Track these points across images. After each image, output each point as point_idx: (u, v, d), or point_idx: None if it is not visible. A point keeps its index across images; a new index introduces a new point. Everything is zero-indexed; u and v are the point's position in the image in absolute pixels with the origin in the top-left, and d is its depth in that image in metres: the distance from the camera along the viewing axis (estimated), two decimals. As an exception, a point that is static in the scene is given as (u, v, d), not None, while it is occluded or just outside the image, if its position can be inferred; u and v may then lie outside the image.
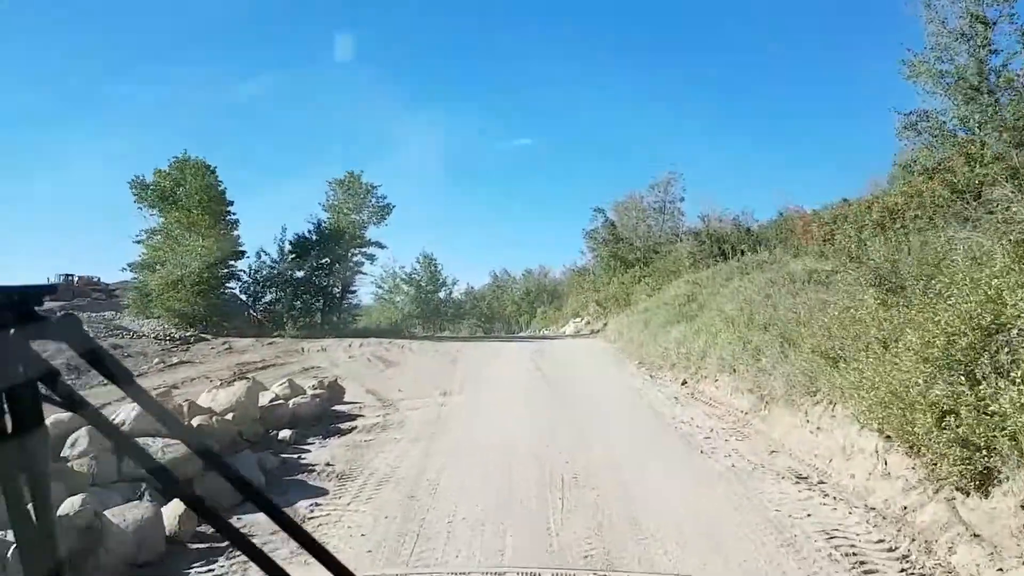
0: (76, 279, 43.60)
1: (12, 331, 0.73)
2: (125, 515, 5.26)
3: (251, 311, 29.91)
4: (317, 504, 6.25)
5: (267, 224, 64.65)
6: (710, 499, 6.57)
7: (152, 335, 18.41)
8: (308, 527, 5.51)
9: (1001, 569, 4.78)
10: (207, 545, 5.24)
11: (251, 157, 79.04)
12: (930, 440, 6.03)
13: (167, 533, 5.37)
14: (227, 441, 7.77)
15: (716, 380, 12.37)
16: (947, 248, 8.79)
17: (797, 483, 7.19)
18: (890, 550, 5.37)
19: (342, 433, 9.41)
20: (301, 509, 6.13)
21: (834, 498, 6.73)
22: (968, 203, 10.03)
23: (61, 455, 6.17)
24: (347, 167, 43.53)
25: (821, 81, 72.19)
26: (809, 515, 6.23)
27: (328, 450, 8.41)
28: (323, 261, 31.34)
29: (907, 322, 7.46)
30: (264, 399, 9.96)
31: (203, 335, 20.09)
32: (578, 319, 43.12)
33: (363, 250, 33.56)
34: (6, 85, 59.95)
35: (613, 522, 5.88)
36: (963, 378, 5.67)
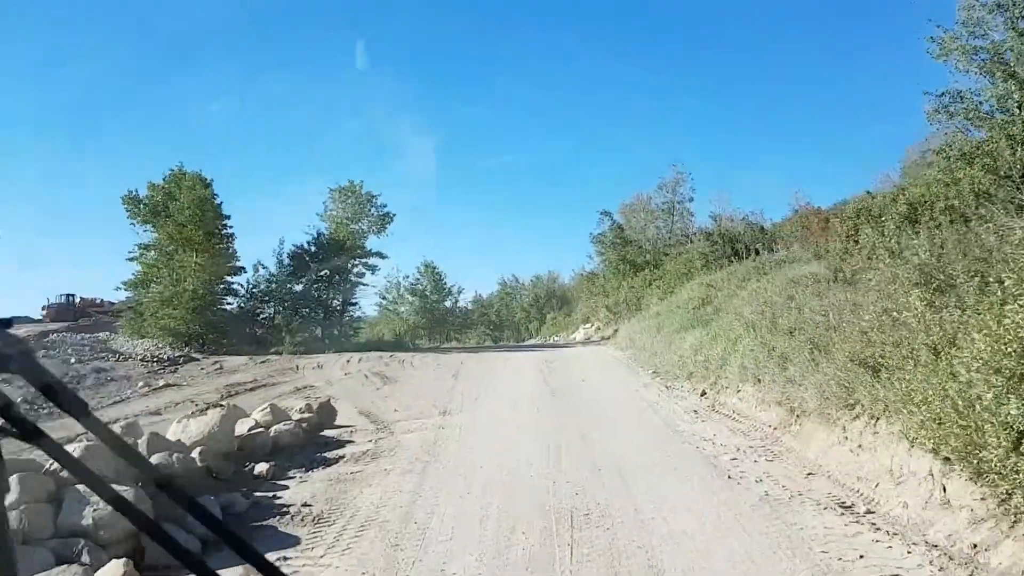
0: (79, 300, 43.03)
1: None
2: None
3: (250, 327, 29.11)
4: (285, 558, 5.38)
5: (268, 236, 64.09)
6: (745, 539, 5.66)
7: (139, 357, 17.64)
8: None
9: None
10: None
11: (250, 168, 78.55)
12: (1004, 466, 5.13)
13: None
14: (192, 481, 6.92)
15: (738, 391, 11.46)
16: (1000, 239, 7.89)
17: (842, 514, 6.28)
18: (970, 605, 4.46)
19: (328, 463, 8.56)
20: (265, 565, 5.26)
21: (887, 532, 5.83)
22: (1019, 189, 9.09)
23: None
24: (347, 176, 42.79)
25: (825, 79, 71.30)
26: (862, 556, 5.33)
27: (309, 485, 7.55)
28: (322, 273, 30.57)
29: (962, 326, 6.57)
30: (242, 427, 9.13)
31: (193, 355, 19.33)
32: (588, 325, 42.24)
33: (364, 261, 32.78)
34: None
35: (633, 574, 4.99)
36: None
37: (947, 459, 6.04)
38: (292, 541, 5.83)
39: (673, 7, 72.70)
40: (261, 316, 29.16)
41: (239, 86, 76.81)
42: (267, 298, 29.47)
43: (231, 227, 28.85)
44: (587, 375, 15.90)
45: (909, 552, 5.39)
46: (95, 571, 4.83)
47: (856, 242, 15.27)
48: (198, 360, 18.53)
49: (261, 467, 7.87)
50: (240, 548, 0.87)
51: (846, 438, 7.97)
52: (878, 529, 5.91)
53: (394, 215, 33.02)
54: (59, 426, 7.16)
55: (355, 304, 33.58)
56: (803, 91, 72.16)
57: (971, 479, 5.76)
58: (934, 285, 7.50)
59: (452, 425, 10.43)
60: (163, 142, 68.26)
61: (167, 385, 15.28)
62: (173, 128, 69.55)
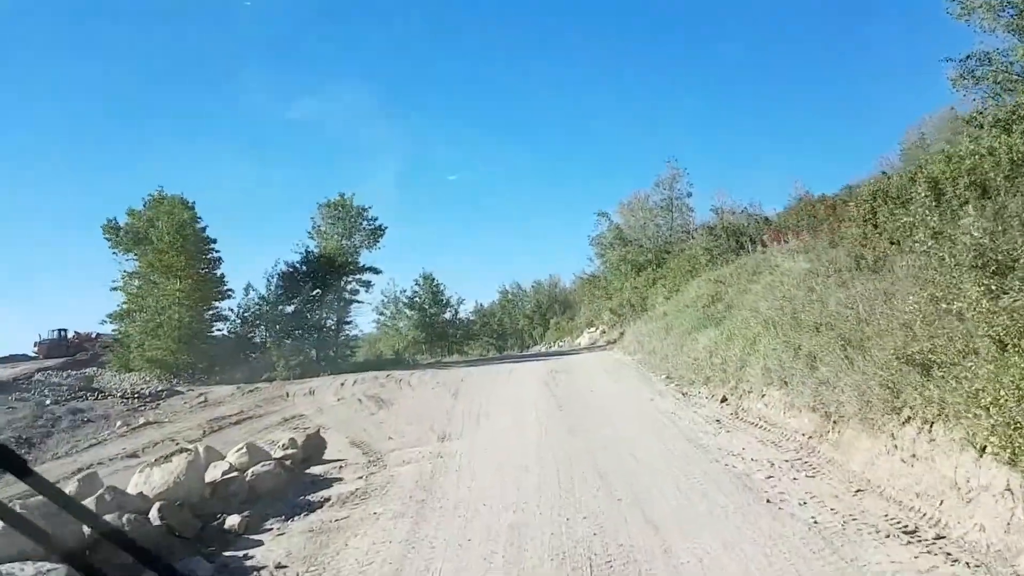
0: (74, 335, 42.20)
1: None
2: None
3: (243, 353, 28.15)
4: (247, 644, 4.46)
5: (263, 259, 63.28)
6: (800, 586, 4.74)
7: (119, 394, 16.73)
8: None
9: None
10: None
11: (239, 190, 77.96)
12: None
13: None
14: (149, 543, 5.98)
15: (763, 395, 10.52)
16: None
17: (908, 543, 5.36)
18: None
19: (311, 508, 7.63)
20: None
21: (968, 564, 4.91)
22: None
23: None
24: (336, 191, 41.89)
25: (818, 73, 70.76)
26: (948, 601, 4.40)
27: (286, 539, 6.61)
28: (314, 293, 29.64)
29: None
30: (215, 472, 8.21)
31: (176, 388, 18.41)
32: (592, 329, 41.43)
33: (357, 277, 31.85)
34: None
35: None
36: None
37: (1031, 471, 5.14)
38: (259, 619, 4.90)
39: (664, 7, 72.22)
40: (254, 341, 28.18)
41: (223, 108, 76.16)
42: (258, 322, 28.51)
43: (217, 251, 28.02)
44: (595, 384, 14.98)
45: (1002, 592, 4.48)
46: None
47: (875, 226, 14.38)
48: (182, 393, 17.61)
49: (233, 520, 6.93)
50: None
51: (895, 446, 7.04)
52: (955, 561, 5.00)
53: (386, 227, 32.15)
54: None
55: (350, 323, 32.65)
56: (796, 85, 71.60)
57: (1064, 495, 4.86)
58: (991, 268, 6.58)
59: (451, 453, 9.49)
60: (150, 171, 67.60)
61: (147, 423, 14.36)
62: (160, 160, 68.84)
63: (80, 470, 10.57)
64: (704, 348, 14.07)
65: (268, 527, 7.05)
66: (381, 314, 39.96)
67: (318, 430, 11.88)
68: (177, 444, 12.77)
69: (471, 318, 50.77)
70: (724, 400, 11.33)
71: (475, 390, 15.56)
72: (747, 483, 7.18)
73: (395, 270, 56.10)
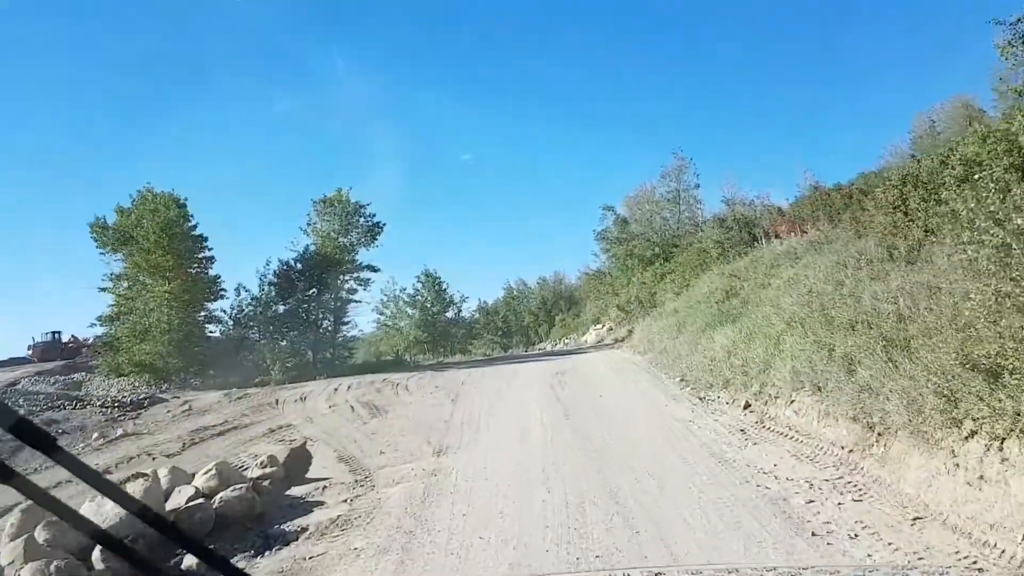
0: (70, 339, 41.47)
1: None
2: None
3: (238, 355, 27.23)
4: None
5: (262, 258, 62.09)
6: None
7: (99, 402, 15.86)
8: None
9: None
10: None
11: (234, 187, 77.15)
12: None
13: None
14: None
15: (792, 401, 9.57)
16: None
17: (995, 592, 4.42)
18: None
19: (285, 541, 6.74)
20: None
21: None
22: None
23: None
24: (333, 187, 40.90)
25: (813, 64, 69.62)
26: None
27: (251, 583, 5.70)
28: (310, 292, 28.72)
29: None
30: (179, 498, 7.31)
31: (160, 396, 17.54)
32: (599, 326, 40.57)
33: (355, 276, 30.91)
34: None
35: None
36: None
37: None
38: None
39: (658, 8, 71.19)
40: (248, 343, 27.26)
41: (215, 106, 75.26)
42: (251, 324, 27.60)
43: (210, 249, 27.10)
44: (604, 388, 14.05)
45: None
46: None
47: (905, 213, 13.42)
48: (165, 401, 16.72)
49: (189, 561, 6.02)
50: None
51: (956, 465, 6.11)
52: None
53: (384, 224, 31.20)
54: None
55: (348, 323, 31.72)
56: (794, 80, 70.40)
57: None
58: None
59: (446, 470, 8.58)
60: (148, 171, 66.90)
61: (125, 435, 13.48)
62: (152, 154, 67.99)
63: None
64: (721, 348, 13.14)
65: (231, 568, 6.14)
66: (381, 313, 39.06)
67: (304, 443, 11.01)
68: (154, 458, 11.91)
69: (475, 316, 49.95)
70: (747, 406, 10.38)
71: (476, 395, 14.64)
72: (785, 509, 6.25)
73: (396, 269, 55.21)
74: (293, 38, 78.28)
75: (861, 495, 6.49)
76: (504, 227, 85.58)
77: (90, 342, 39.76)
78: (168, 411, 15.22)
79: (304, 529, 6.99)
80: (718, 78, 74.78)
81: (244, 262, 65.89)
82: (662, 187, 40.68)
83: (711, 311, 17.06)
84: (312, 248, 29.59)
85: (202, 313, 26.81)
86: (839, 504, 6.26)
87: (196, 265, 26.42)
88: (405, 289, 39.96)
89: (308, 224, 30.31)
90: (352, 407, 14.13)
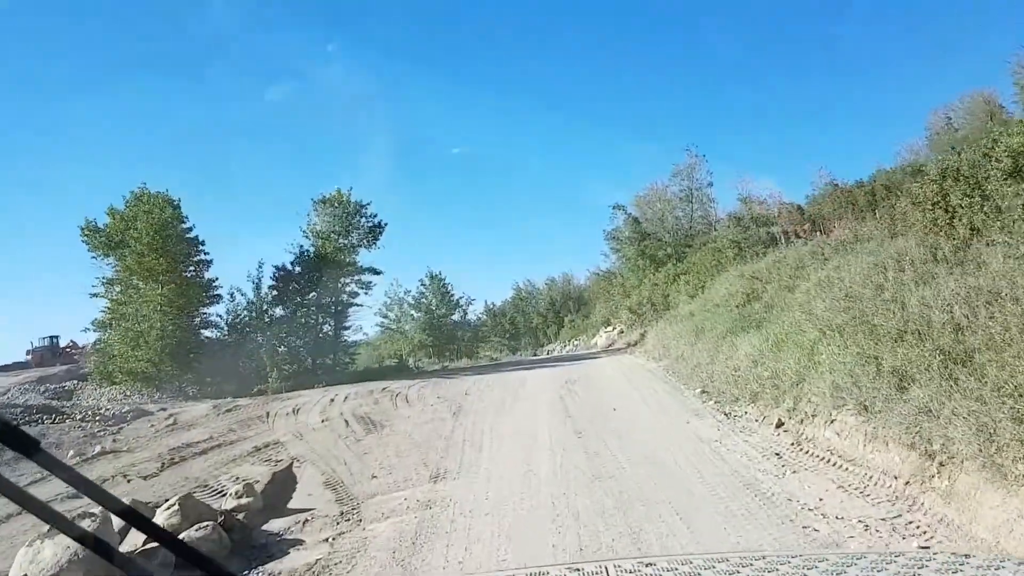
0: (69, 343, 40.91)
1: None
2: None
3: (235, 362, 26.39)
4: None
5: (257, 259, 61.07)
6: None
7: (80, 416, 15.02)
8: None
9: None
10: None
11: (232, 186, 76.32)
12: None
13: None
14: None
15: (832, 420, 8.56)
16: None
17: None
18: None
19: (252, 593, 5.80)
20: None
21: None
22: None
23: None
24: (324, 187, 40.02)
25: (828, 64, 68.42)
26: None
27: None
28: (309, 295, 27.87)
29: None
30: (135, 539, 6.39)
31: (145, 408, 16.69)
32: (609, 328, 39.78)
33: (356, 278, 30.05)
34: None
35: None
36: None
37: None
38: None
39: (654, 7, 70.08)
40: (245, 349, 26.41)
41: (213, 101, 74.31)
42: (248, 329, 26.75)
43: (206, 252, 26.32)
44: (619, 400, 13.08)
45: None
46: None
47: (946, 210, 12.42)
48: (150, 414, 15.86)
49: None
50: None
51: (1046, 507, 5.13)
52: None
53: (385, 224, 30.34)
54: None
55: (348, 327, 30.85)
56: (796, 80, 69.17)
57: None
58: None
59: (443, 501, 7.64)
60: (133, 167, 65.82)
61: (103, 452, 12.61)
62: (144, 154, 67.06)
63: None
64: (746, 356, 12.17)
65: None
66: (385, 316, 38.31)
67: (290, 465, 10.12)
68: (129, 480, 11.06)
69: (482, 318, 49.29)
70: (780, 425, 9.38)
71: (480, 407, 13.72)
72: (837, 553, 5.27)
73: (398, 271, 54.43)
74: (284, 33, 77.02)
75: (928, 539, 5.51)
76: (507, 229, 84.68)
77: (86, 348, 39.27)
78: (152, 425, 14.36)
79: (275, 578, 6.06)
80: (717, 77, 73.58)
81: (240, 264, 64.97)
82: (674, 185, 39.89)
83: (731, 315, 16.12)
84: (311, 249, 28.75)
85: (197, 318, 26.01)
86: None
87: (192, 268, 25.64)
88: (409, 292, 39.25)
89: (307, 225, 29.47)
90: (347, 421, 13.22)
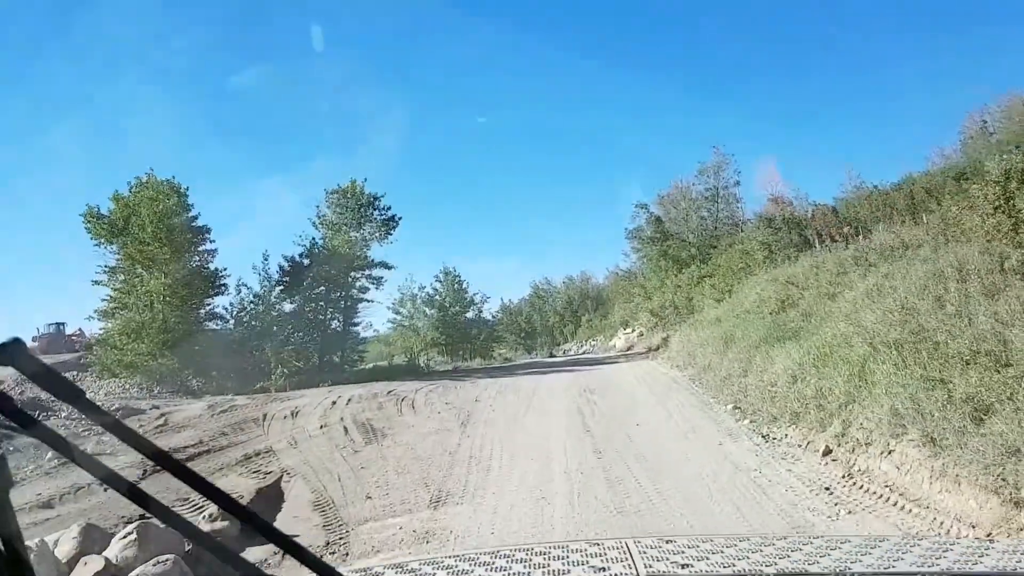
0: (77, 332, 40.39)
1: None
2: None
3: (241, 357, 25.62)
4: None
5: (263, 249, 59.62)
6: None
7: (64, 415, 14.34)
8: None
9: None
10: None
11: (239, 172, 75.24)
12: None
13: None
14: None
15: (889, 451, 7.56)
16: None
17: None
18: None
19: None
20: None
21: None
22: None
23: None
24: (340, 178, 39.11)
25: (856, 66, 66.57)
26: None
27: None
28: (318, 290, 27.08)
29: None
30: (82, 573, 5.55)
31: (136, 406, 15.97)
32: (628, 330, 38.80)
33: (367, 273, 29.24)
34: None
35: None
36: None
37: None
38: None
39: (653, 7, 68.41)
40: (249, 344, 25.63)
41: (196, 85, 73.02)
42: (253, 323, 26.00)
43: (212, 241, 25.62)
44: (643, 415, 12.12)
45: None
46: None
47: (1009, 215, 11.35)
48: (141, 412, 15.11)
49: None
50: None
51: None
52: None
53: (400, 218, 29.50)
54: None
55: (358, 324, 30.04)
56: (808, 81, 67.31)
57: None
58: None
59: (443, 534, 6.75)
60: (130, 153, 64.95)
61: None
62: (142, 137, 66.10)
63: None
64: (784, 370, 11.15)
65: None
66: (397, 312, 37.51)
67: (279, 479, 9.31)
68: (105, 489, 10.26)
69: (498, 316, 48.52)
70: (827, 452, 8.38)
71: (490, 417, 12.84)
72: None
73: (413, 266, 53.60)
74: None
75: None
76: (525, 227, 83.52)
77: (92, 337, 38.71)
78: (141, 425, 13.59)
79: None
80: (721, 77, 71.77)
81: (249, 255, 64.13)
82: (700, 184, 38.79)
83: (764, 323, 15.07)
84: (321, 242, 27.96)
85: (202, 310, 25.34)
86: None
87: (196, 258, 24.96)
88: (424, 288, 38.42)
89: (318, 217, 28.69)
90: (346, 428, 12.37)
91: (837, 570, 1.58)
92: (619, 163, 73.74)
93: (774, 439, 9.45)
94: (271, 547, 6.98)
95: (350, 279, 28.24)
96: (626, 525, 6.44)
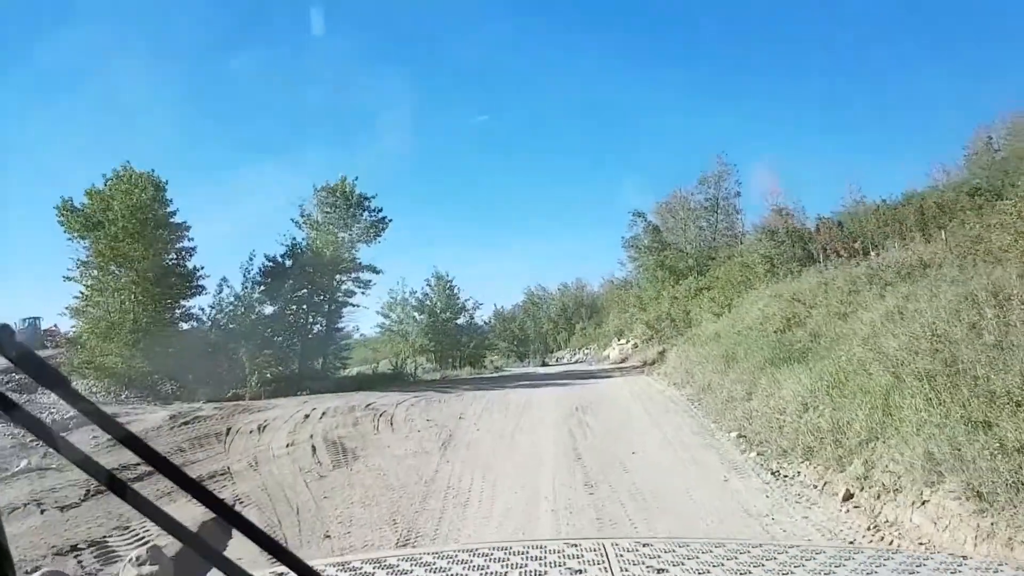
0: (52, 328, 39.21)
1: None
2: None
3: (217, 361, 24.53)
4: None
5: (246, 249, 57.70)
6: None
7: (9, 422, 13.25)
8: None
9: None
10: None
11: (221, 166, 73.86)
12: None
13: None
14: None
15: (923, 500, 6.63)
16: None
17: None
18: None
19: None
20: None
21: None
22: None
23: None
24: (326, 176, 37.90)
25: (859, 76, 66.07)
26: None
27: None
28: (300, 292, 26.04)
29: None
30: None
31: (86, 417, 14.85)
32: (623, 341, 38.06)
33: (354, 276, 28.21)
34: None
35: None
36: None
37: None
38: None
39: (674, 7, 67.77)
40: (226, 348, 24.51)
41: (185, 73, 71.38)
42: (231, 325, 24.93)
43: (191, 239, 24.57)
44: (639, 440, 11.18)
45: None
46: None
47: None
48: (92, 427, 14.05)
49: None
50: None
51: None
52: None
53: (389, 220, 28.52)
54: None
55: (342, 329, 28.97)
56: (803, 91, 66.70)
57: None
58: None
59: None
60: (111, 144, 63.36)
61: (28, 469, 10.88)
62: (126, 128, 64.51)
63: None
64: (793, 396, 10.25)
65: None
66: (386, 316, 36.54)
67: (231, 508, 8.21)
68: (43, 511, 9.31)
69: (491, 322, 47.75)
70: (848, 497, 7.45)
71: (473, 438, 11.88)
72: None
73: (404, 270, 52.65)
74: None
75: None
76: (521, 234, 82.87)
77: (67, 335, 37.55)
78: (94, 437, 12.55)
79: None
80: (719, 79, 71.08)
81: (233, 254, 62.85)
82: (699, 193, 38.15)
83: (769, 342, 14.20)
84: (305, 242, 26.93)
85: (177, 311, 24.27)
86: None
87: (173, 256, 23.91)
88: (415, 292, 37.51)
89: (303, 215, 27.65)
90: (314, 448, 11.37)
91: None
92: (618, 166, 73.26)
93: (785, 477, 8.51)
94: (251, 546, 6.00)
95: (335, 282, 27.22)
96: None
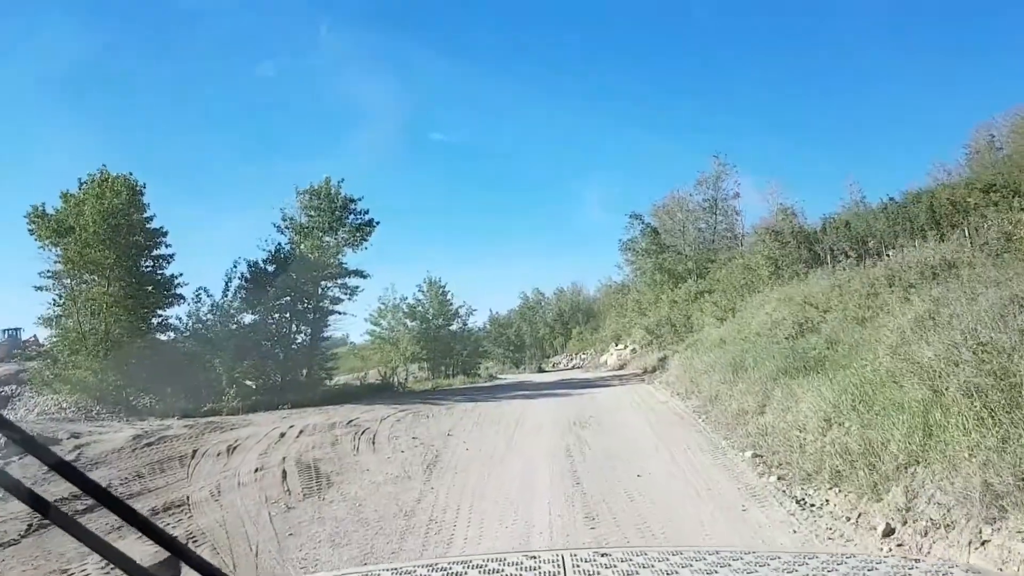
0: (32, 339, 38.15)
1: None
2: None
3: (196, 373, 23.46)
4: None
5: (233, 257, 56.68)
6: None
7: (-44, 445, 12.28)
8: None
9: None
10: None
11: (207, 175, 73.03)
12: None
13: None
14: None
15: (984, 542, 5.68)
16: None
17: None
18: None
19: None
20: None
21: None
22: None
23: None
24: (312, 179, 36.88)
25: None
26: None
27: None
28: (282, 300, 25.02)
29: None
30: None
31: (53, 434, 13.83)
32: (620, 346, 37.28)
33: (341, 282, 27.21)
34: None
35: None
36: None
37: None
38: None
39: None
40: (204, 359, 23.43)
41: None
42: (209, 335, 23.88)
43: (168, 245, 23.55)
44: (644, 460, 10.21)
45: None
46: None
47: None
48: (57, 442, 12.94)
49: None
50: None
51: None
52: None
53: (377, 223, 27.53)
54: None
55: (328, 338, 27.96)
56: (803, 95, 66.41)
57: None
58: None
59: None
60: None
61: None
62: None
63: None
64: (814, 411, 9.32)
65: None
66: (376, 324, 35.55)
67: (181, 550, 7.21)
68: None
69: (486, 327, 47.02)
70: (889, 533, 6.49)
71: (461, 460, 10.89)
72: None
73: (395, 275, 51.57)
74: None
75: None
76: (522, 236, 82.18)
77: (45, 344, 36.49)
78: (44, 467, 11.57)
79: None
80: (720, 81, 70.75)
81: (216, 261, 61.99)
82: (697, 194, 37.47)
83: (780, 350, 13.28)
84: (288, 247, 25.94)
85: (153, 321, 23.22)
86: None
87: (149, 263, 22.88)
88: (406, 298, 36.61)
89: (285, 219, 26.66)
90: (285, 473, 10.36)
91: None
92: (617, 167, 72.67)
93: (812, 506, 7.54)
94: None
95: (320, 289, 26.21)
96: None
